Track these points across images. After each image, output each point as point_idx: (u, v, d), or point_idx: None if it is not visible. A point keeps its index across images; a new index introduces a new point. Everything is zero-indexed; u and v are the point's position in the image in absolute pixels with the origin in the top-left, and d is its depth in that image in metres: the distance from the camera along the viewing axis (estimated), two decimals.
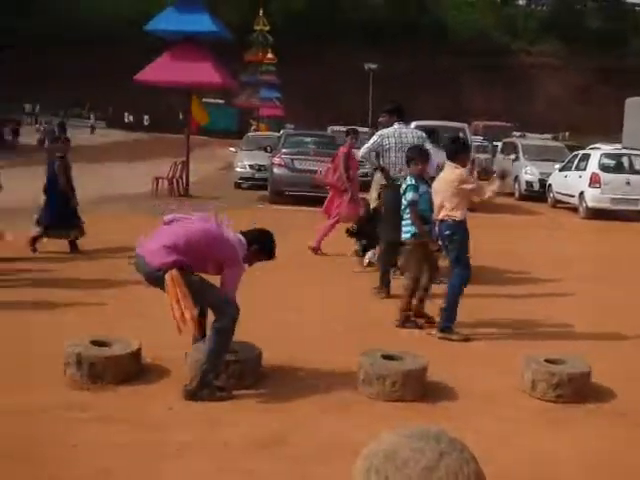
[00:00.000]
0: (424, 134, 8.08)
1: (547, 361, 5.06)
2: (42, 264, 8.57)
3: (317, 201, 15.84)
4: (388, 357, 4.98)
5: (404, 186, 6.65)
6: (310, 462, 3.81)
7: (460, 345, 6.08)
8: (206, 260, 4.66)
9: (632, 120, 21.15)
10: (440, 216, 6.27)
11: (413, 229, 6.51)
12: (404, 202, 6.61)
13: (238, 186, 19.98)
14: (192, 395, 4.52)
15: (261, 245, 4.91)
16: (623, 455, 4.17)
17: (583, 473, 3.92)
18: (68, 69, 61.60)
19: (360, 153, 8.26)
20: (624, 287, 8.91)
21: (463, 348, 6.03)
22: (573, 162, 17.93)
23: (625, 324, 6.94)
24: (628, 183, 16.33)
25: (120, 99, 57.74)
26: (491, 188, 6.39)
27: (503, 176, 6.58)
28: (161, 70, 17.28)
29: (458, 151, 6.43)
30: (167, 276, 4.41)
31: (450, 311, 6.25)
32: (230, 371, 4.75)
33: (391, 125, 7.85)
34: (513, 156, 21.09)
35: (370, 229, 8.78)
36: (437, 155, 8.06)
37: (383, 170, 7.85)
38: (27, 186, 12.70)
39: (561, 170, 18.35)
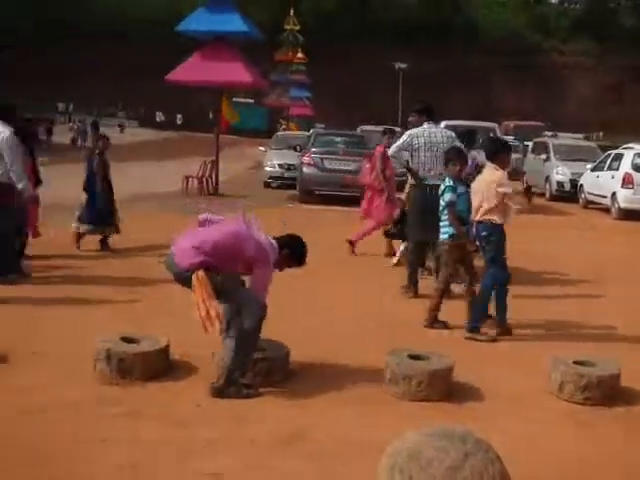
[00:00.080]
0: (453, 134, 8.05)
1: (576, 363, 5.01)
2: (75, 261, 8.70)
3: (346, 200, 15.90)
4: (415, 357, 4.98)
5: (442, 187, 6.61)
6: (335, 460, 3.83)
7: (487, 346, 6.05)
8: (236, 261, 4.71)
9: None
10: (478, 217, 6.26)
11: (451, 230, 6.45)
12: (442, 203, 6.55)
13: (267, 185, 20.07)
14: (219, 392, 4.57)
15: (292, 250, 4.94)
16: None
17: (610, 477, 3.88)
18: (101, 68, 62.31)
19: (390, 152, 8.27)
20: None
21: (490, 349, 6.00)
22: (605, 162, 17.69)
23: None
24: None
25: (151, 99, 58.34)
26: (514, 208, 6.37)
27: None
28: (192, 70, 17.43)
29: (498, 151, 6.40)
30: (194, 276, 4.50)
31: (479, 311, 6.23)
32: (257, 369, 4.79)
33: (421, 125, 7.83)
34: (544, 156, 20.86)
35: (402, 229, 8.72)
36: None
37: (410, 170, 7.84)
38: (63, 184, 12.96)
39: (593, 170, 18.12)
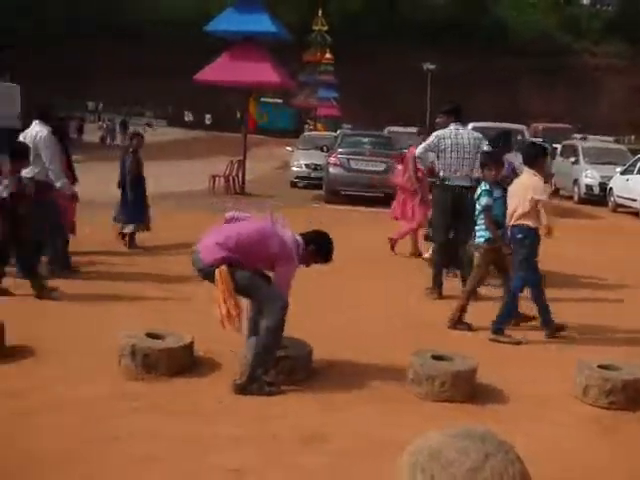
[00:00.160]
0: (481, 135, 8.00)
1: (600, 367, 4.98)
2: (102, 258, 8.81)
3: (372, 201, 15.90)
4: (438, 357, 4.98)
5: (478, 191, 6.60)
6: (356, 458, 3.85)
7: (512, 348, 6.03)
8: (259, 257, 4.75)
9: None
10: (513, 221, 6.25)
11: (487, 234, 6.44)
12: (478, 207, 6.55)
13: (294, 185, 20.13)
14: (242, 389, 4.61)
15: (318, 246, 4.97)
16: None
17: None
18: (131, 68, 62.87)
19: (417, 152, 8.26)
20: None
21: (515, 351, 5.98)
22: (635, 165, 17.50)
23: None
24: None
25: (180, 98, 58.68)
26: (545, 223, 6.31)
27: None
28: (220, 70, 17.52)
29: (537, 156, 6.37)
30: (217, 271, 4.58)
31: (505, 314, 6.22)
32: (280, 367, 4.81)
33: (448, 126, 7.81)
34: (573, 159, 20.68)
35: None
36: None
37: (432, 171, 7.83)
38: (94, 181, 13.13)
39: (623, 173, 17.93)
